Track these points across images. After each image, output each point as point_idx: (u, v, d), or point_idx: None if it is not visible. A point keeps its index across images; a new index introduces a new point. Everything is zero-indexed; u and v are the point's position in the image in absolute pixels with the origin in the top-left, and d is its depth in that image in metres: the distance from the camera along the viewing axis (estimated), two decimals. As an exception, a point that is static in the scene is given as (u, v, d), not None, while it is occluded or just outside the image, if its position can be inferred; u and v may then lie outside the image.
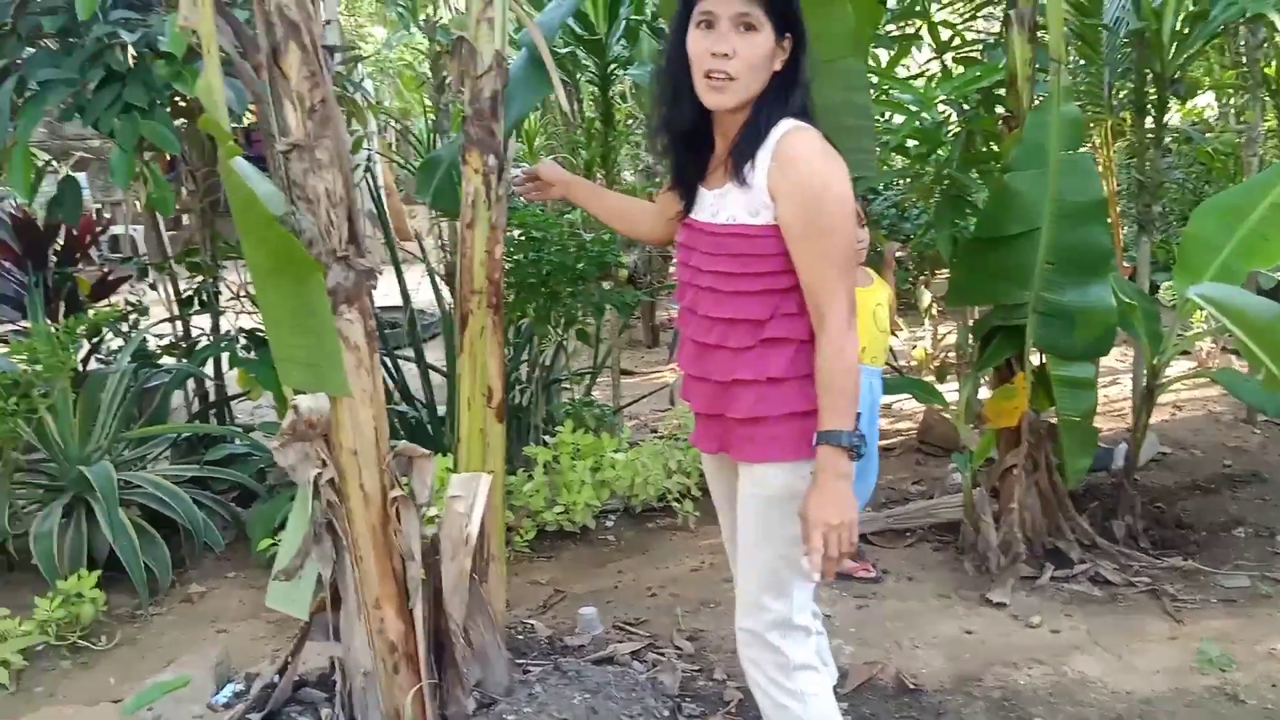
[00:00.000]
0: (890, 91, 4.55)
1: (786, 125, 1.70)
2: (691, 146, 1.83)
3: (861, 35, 3.55)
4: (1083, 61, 4.94)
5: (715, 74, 1.67)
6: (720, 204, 1.77)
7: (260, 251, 2.17)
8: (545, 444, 3.88)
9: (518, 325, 4.18)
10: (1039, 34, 3.33)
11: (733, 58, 1.66)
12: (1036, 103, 3.34)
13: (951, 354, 5.97)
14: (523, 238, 3.85)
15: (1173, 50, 4.23)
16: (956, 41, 4.83)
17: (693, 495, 3.90)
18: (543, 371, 4.26)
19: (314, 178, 2.11)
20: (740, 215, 1.73)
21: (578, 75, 5.27)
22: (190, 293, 3.90)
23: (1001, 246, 3.15)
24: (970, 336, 4.51)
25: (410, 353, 4.28)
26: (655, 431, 4.87)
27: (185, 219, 4.03)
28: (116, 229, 8.27)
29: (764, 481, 1.81)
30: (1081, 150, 3.20)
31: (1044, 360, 3.30)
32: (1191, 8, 4.67)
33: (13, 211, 4.41)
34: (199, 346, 3.89)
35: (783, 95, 1.73)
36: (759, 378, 1.75)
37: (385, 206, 4.30)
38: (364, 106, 4.13)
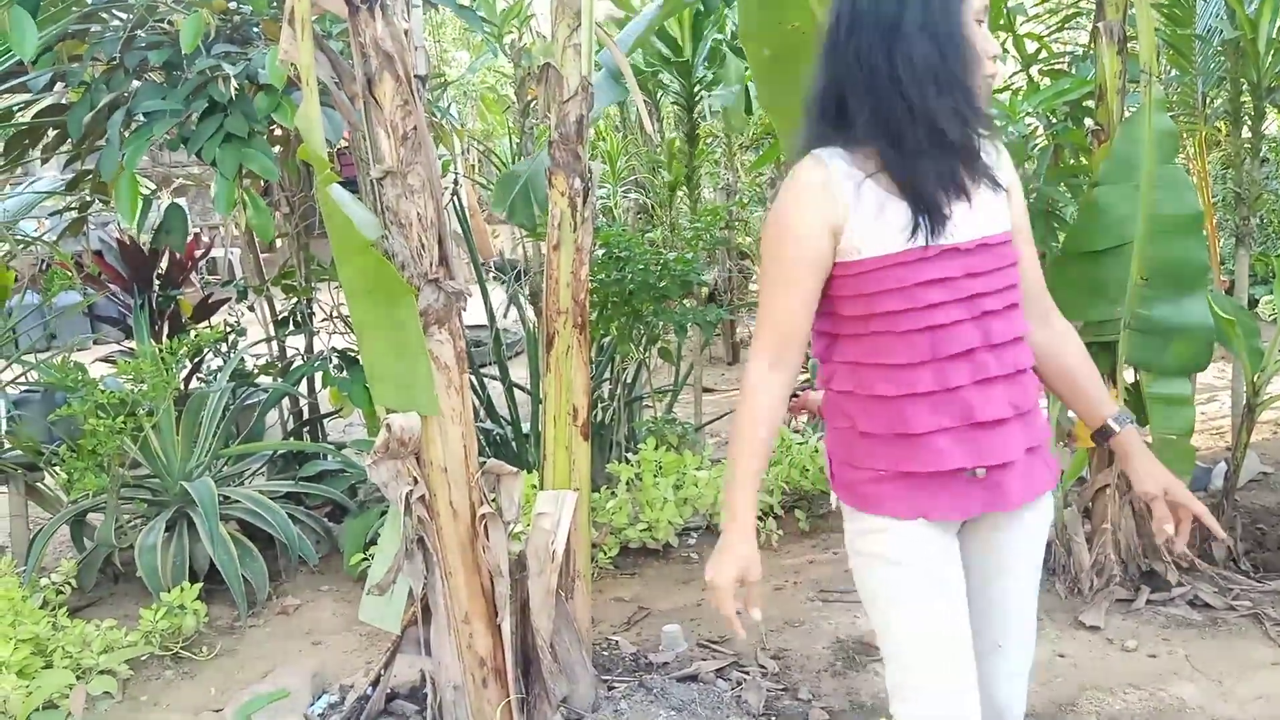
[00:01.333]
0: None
1: None
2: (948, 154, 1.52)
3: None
4: (1175, 71, 4.82)
5: (990, 76, 1.52)
6: (984, 214, 1.54)
7: (355, 274, 2.25)
8: (628, 461, 3.91)
9: (600, 343, 4.23)
10: (1129, 45, 3.26)
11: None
12: (1127, 115, 3.27)
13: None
14: (606, 257, 3.90)
15: (1270, 58, 4.10)
16: (1043, 54, 4.76)
17: (775, 514, 3.89)
18: (625, 389, 4.30)
19: (406, 203, 2.18)
20: (1003, 219, 1.57)
21: (659, 94, 5.33)
22: (285, 314, 4.04)
23: (1091, 262, 3.09)
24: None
25: (495, 371, 4.36)
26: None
27: (279, 242, 4.16)
28: (215, 252, 8.58)
29: (1048, 509, 1.68)
30: (1176, 163, 3.12)
31: (1138, 377, 3.22)
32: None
33: (119, 237, 4.61)
34: (294, 366, 4.02)
35: None
36: (1039, 398, 1.63)
37: (470, 226, 4.39)
38: (450, 131, 4.23)
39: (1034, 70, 4.69)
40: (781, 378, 1.56)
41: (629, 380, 4.37)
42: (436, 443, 2.26)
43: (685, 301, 4.41)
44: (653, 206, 5.99)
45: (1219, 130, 4.95)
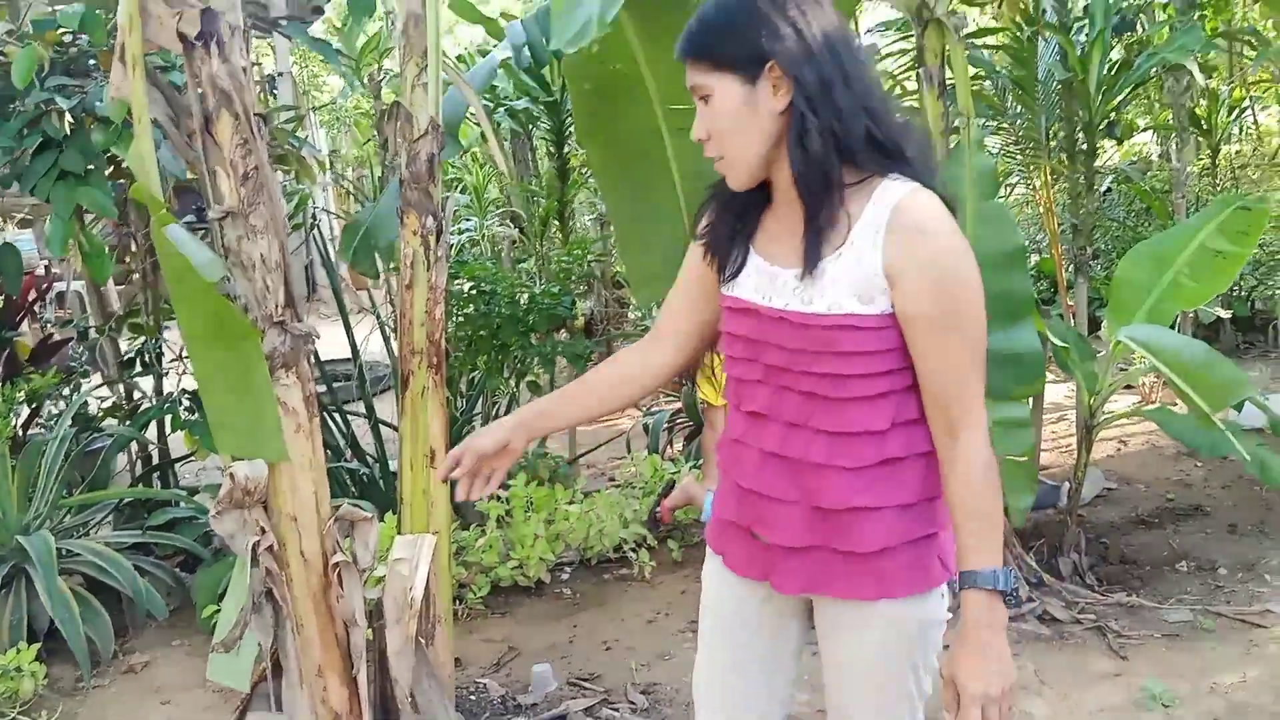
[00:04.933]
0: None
1: (900, 186, 1.34)
2: (742, 211, 1.48)
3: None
4: (1020, 108, 5.08)
5: (713, 159, 1.43)
6: (812, 288, 1.37)
7: (196, 319, 2.17)
8: (498, 498, 3.86)
9: (471, 378, 4.18)
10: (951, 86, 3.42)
11: (707, 140, 1.40)
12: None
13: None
14: (473, 291, 3.87)
15: (1100, 98, 4.37)
16: (897, 92, 4.95)
17: (648, 545, 3.90)
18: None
19: (249, 244, 2.12)
20: (848, 303, 1.35)
21: (531, 128, 5.34)
22: (132, 355, 3.87)
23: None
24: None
25: (361, 407, 4.26)
26: (613, 480, 4.86)
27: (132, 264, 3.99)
28: (62, 285, 8.15)
29: (895, 621, 1.45)
30: (997, 200, 3.28)
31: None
32: (1116, 58, 4.84)
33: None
34: (142, 409, 3.85)
35: (827, 130, 1.32)
36: (886, 504, 1.40)
37: (334, 259, 4.29)
38: (312, 162, 4.13)
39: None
40: None
41: (500, 413, 4.33)
42: (285, 490, 2.20)
43: (557, 333, 4.40)
44: (528, 236, 6.00)
45: (1062, 163, 5.23)
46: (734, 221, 1.48)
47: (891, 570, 1.42)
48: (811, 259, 1.36)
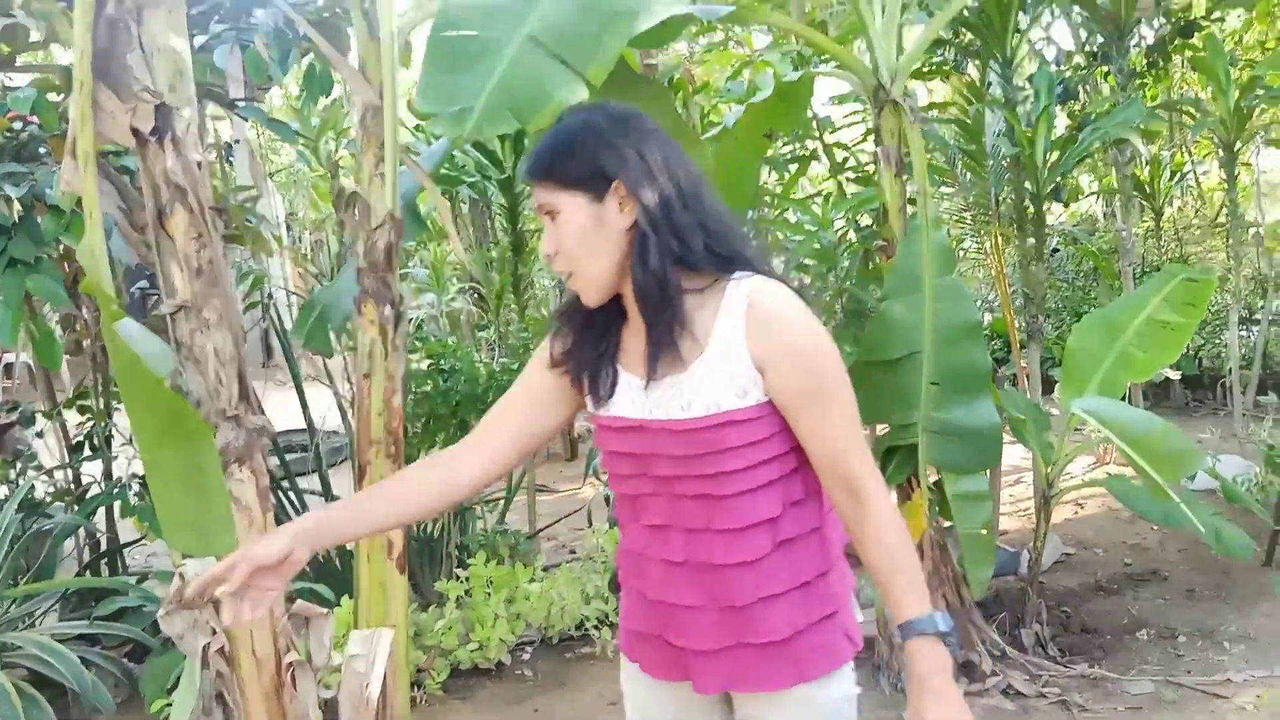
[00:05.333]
0: (788, 212, 4.71)
1: (748, 282, 1.40)
2: (603, 331, 1.50)
3: (748, 167, 3.72)
4: (970, 176, 5.20)
5: (562, 276, 1.46)
6: (687, 393, 1.41)
7: (147, 414, 2.13)
8: (458, 577, 3.80)
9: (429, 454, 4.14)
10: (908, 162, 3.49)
11: (554, 256, 1.42)
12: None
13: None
14: (433, 368, 3.85)
15: (1046, 171, 4.48)
16: (851, 162, 5.05)
17: (610, 622, 3.84)
18: (454, 500, 4.20)
19: (202, 337, 2.10)
20: (725, 400, 1.39)
21: (489, 194, 5.37)
22: (81, 438, 3.78)
23: (887, 370, 3.24)
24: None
25: (316, 478, 4.19)
26: (574, 552, 4.81)
27: (83, 342, 3.91)
28: (11, 356, 7.99)
29: (812, 703, 1.48)
30: (953, 276, 3.33)
31: (940, 476, 3.37)
32: (1061, 127, 4.99)
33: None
34: (90, 494, 3.75)
35: (667, 248, 1.38)
36: (789, 587, 1.44)
37: (288, 335, 4.25)
38: (269, 237, 4.10)
39: (843, 177, 4.98)
40: None
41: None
42: (238, 587, 2.14)
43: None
44: (488, 302, 6.00)
45: (1012, 230, 5.36)
46: (597, 342, 1.50)
47: (804, 653, 1.45)
48: (651, 367, 1.40)
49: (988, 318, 7.94)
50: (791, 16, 4.90)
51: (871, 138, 5.02)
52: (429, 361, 3.82)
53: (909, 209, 3.44)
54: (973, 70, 5.07)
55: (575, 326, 1.52)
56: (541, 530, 4.85)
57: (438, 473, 1.56)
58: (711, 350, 1.40)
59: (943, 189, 5.29)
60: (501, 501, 4.63)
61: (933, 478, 3.37)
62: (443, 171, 4.30)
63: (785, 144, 4.89)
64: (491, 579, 3.74)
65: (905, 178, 3.42)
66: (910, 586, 1.41)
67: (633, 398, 1.47)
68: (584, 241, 1.40)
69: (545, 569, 4.08)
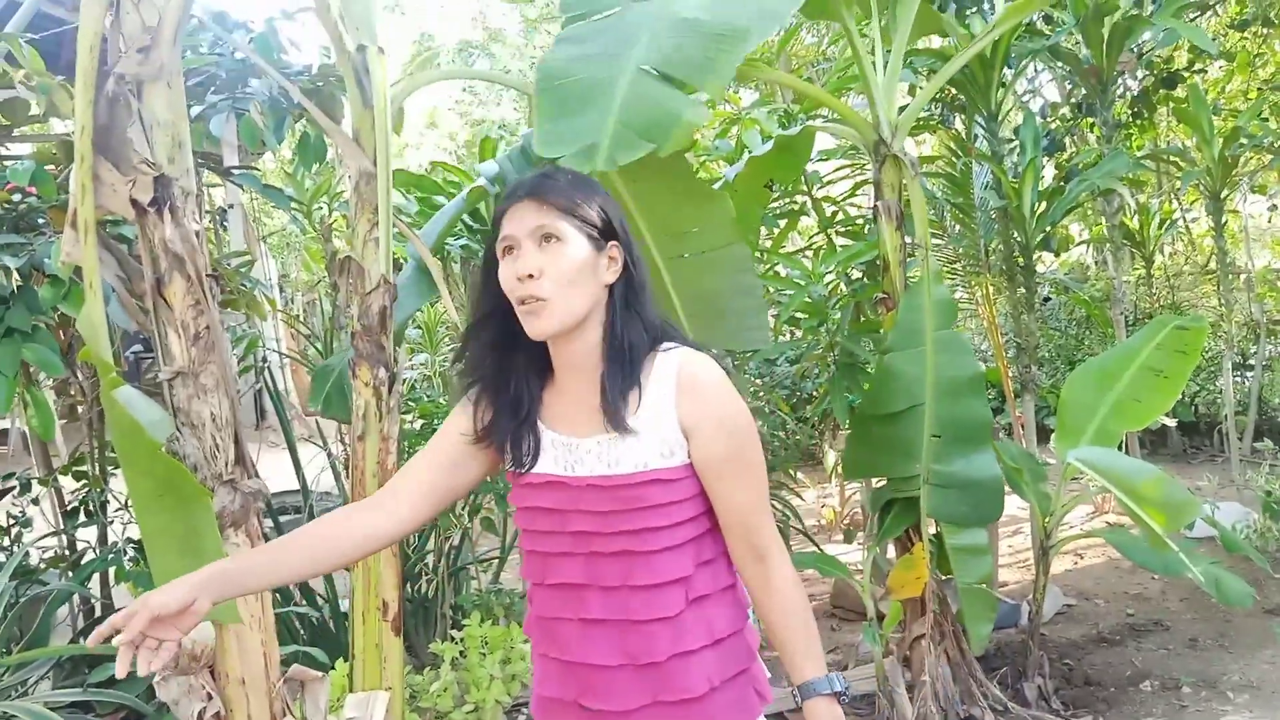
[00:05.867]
0: (778, 267, 4.75)
1: (678, 352, 1.48)
2: (517, 397, 1.52)
3: (750, 218, 3.78)
4: (959, 228, 5.26)
5: (527, 299, 1.43)
6: (616, 451, 1.46)
7: (144, 479, 2.13)
8: (452, 638, 3.77)
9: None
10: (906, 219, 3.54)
11: (539, 277, 1.42)
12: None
13: (859, 511, 6.05)
14: (424, 427, 3.85)
15: (1034, 222, 4.53)
16: (840, 216, 5.10)
17: None
18: (449, 559, 4.19)
19: (199, 403, 2.11)
20: (653, 460, 1.45)
21: (479, 257, 5.39)
22: (76, 504, 3.77)
23: (888, 422, 3.26)
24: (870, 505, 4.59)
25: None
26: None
27: (79, 408, 3.91)
28: (6, 424, 7.98)
29: None
30: (953, 329, 3.36)
31: (939, 529, 3.37)
32: (1049, 178, 5.05)
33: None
34: (85, 560, 3.73)
35: (634, 312, 1.48)
36: (704, 643, 1.48)
37: (281, 397, 4.26)
38: (263, 300, 4.13)
39: (832, 232, 5.03)
40: None
41: (455, 548, 4.26)
42: (233, 653, 2.14)
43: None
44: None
45: (1002, 281, 5.40)
46: (515, 410, 1.52)
47: (719, 711, 1.49)
48: (619, 422, 1.44)
49: (981, 368, 7.98)
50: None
51: (860, 192, 5.15)
52: (422, 421, 3.82)
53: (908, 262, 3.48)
54: (960, 124, 5.15)
55: (490, 398, 1.53)
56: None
57: (356, 520, 1.55)
58: (643, 414, 1.46)
59: (933, 241, 5.34)
60: (496, 561, 4.60)
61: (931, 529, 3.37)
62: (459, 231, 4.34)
63: (775, 199, 4.94)
64: (486, 639, 3.70)
65: (904, 231, 3.46)
66: (809, 650, 1.50)
67: (555, 455, 1.51)
68: (578, 275, 1.44)
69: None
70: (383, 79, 2.38)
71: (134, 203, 2.01)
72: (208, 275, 2.10)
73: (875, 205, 3.45)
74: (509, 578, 4.77)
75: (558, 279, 1.42)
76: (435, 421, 3.82)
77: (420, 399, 3.86)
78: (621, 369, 1.46)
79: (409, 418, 3.95)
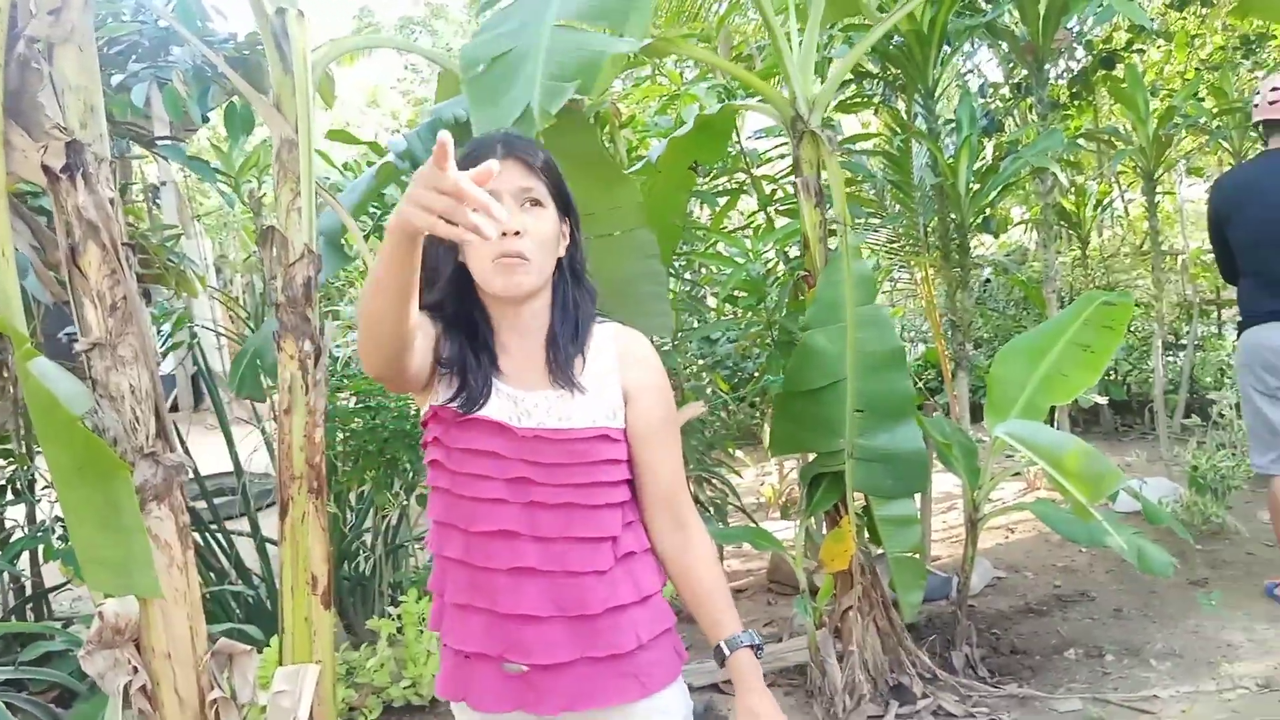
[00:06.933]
0: (718, 245, 4.78)
1: (611, 325, 1.61)
2: (480, 345, 1.55)
3: (673, 201, 3.76)
4: (899, 207, 5.31)
5: (511, 253, 1.45)
6: (567, 407, 1.52)
7: (63, 453, 2.10)
8: (389, 615, 3.77)
9: (360, 491, 4.10)
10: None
11: (524, 235, 1.46)
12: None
13: (796, 488, 6.12)
14: (359, 405, 3.83)
15: (970, 200, 4.60)
16: (779, 194, 5.13)
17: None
18: (387, 537, 4.17)
19: (117, 375, 2.09)
20: (602, 419, 1.53)
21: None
22: (3, 482, 3.70)
23: (810, 399, 3.29)
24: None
25: (245, 523, 4.13)
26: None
27: (7, 387, 3.83)
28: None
29: (667, 711, 1.58)
30: (875, 304, 3.40)
31: (867, 501, 3.42)
32: (986, 158, 5.12)
33: None
34: (13, 539, 3.67)
35: (582, 284, 1.59)
36: (633, 599, 1.54)
37: (215, 377, 4.21)
38: (193, 277, 4.07)
39: (772, 210, 5.06)
40: None
41: (393, 526, 4.24)
42: (158, 626, 2.13)
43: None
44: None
45: (940, 260, 5.47)
46: (478, 354, 1.54)
47: (648, 667, 1.55)
48: (569, 380, 1.52)
49: (921, 348, 8.10)
50: (718, 51, 5.00)
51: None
52: (356, 399, 3.80)
53: (830, 238, 3.51)
54: (900, 102, 5.20)
55: (458, 338, 1.54)
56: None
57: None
58: (587, 378, 1.55)
59: (872, 220, 5.39)
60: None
61: (860, 503, 3.42)
62: (371, 207, 4.29)
63: (715, 177, 4.96)
64: (424, 616, 3.70)
65: (826, 207, 3.49)
66: (727, 606, 1.61)
67: (501, 404, 1.52)
68: (551, 243, 1.52)
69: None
70: (303, 43, 2.35)
71: (46, 169, 1.97)
72: (124, 244, 2.06)
73: (794, 181, 3.46)
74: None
75: (539, 241, 1.49)
76: (371, 400, 3.79)
77: (355, 375, 3.82)
78: (573, 332, 1.56)
79: (344, 395, 3.92)
